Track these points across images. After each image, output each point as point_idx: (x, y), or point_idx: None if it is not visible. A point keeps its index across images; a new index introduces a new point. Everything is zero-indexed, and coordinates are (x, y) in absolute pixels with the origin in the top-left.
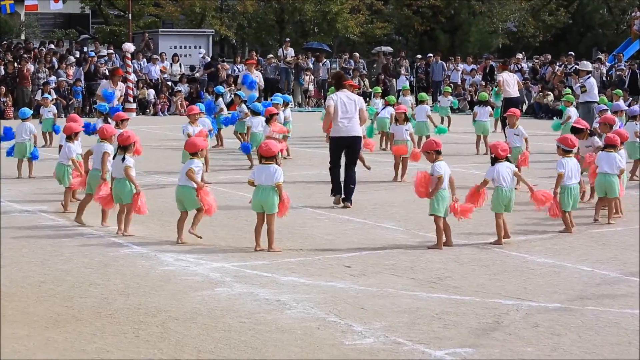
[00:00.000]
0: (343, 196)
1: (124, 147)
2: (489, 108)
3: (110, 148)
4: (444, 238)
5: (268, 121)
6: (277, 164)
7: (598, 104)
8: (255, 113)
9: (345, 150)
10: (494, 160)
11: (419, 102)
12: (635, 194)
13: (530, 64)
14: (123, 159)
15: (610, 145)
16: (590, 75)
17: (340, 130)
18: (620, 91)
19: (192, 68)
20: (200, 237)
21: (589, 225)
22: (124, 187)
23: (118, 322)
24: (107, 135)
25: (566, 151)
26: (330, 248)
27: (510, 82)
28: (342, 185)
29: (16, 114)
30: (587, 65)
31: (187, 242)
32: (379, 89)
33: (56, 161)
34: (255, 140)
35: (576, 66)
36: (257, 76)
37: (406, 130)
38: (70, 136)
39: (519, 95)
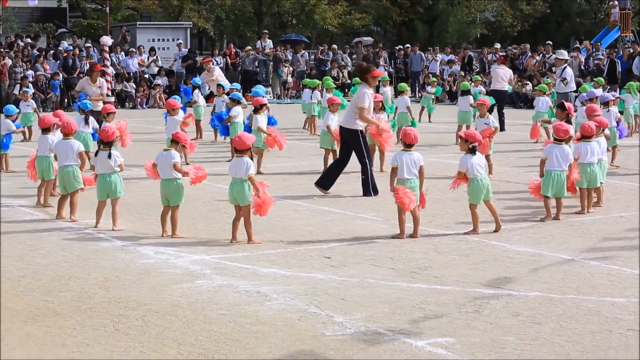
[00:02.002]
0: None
1: (107, 142)
2: (470, 97)
3: (78, 144)
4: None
5: (256, 111)
6: (250, 157)
7: (577, 92)
8: (236, 102)
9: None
10: (472, 150)
11: (399, 92)
12: (613, 183)
13: (506, 54)
14: (109, 156)
15: (586, 136)
16: (566, 65)
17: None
18: (602, 79)
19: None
20: (183, 237)
21: (568, 215)
22: (110, 182)
23: (98, 315)
24: (69, 130)
25: (556, 140)
26: (310, 239)
27: (503, 77)
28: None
29: None
30: (563, 53)
31: (177, 235)
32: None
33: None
34: (237, 131)
35: (554, 55)
36: (212, 73)
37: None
38: (48, 128)
39: (506, 90)
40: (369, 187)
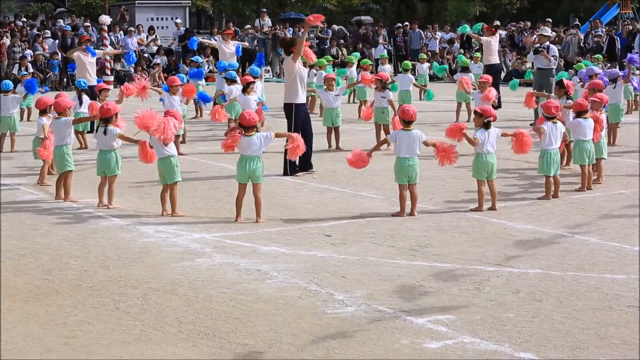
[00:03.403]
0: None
1: (105, 119)
2: (470, 75)
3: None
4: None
5: (244, 90)
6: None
7: (576, 71)
8: (231, 81)
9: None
10: (487, 125)
11: (403, 70)
12: (613, 160)
13: (506, 32)
14: (105, 132)
15: (583, 111)
16: (549, 42)
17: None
18: (600, 56)
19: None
20: (183, 215)
21: (568, 192)
22: (108, 159)
23: (98, 294)
24: (61, 108)
25: (548, 117)
26: (310, 217)
27: (493, 49)
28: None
29: None
30: (547, 30)
31: (177, 213)
32: (353, 59)
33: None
34: (232, 109)
35: (554, 32)
36: (234, 45)
37: (383, 97)
38: (45, 110)
39: (499, 62)
40: (286, 166)
